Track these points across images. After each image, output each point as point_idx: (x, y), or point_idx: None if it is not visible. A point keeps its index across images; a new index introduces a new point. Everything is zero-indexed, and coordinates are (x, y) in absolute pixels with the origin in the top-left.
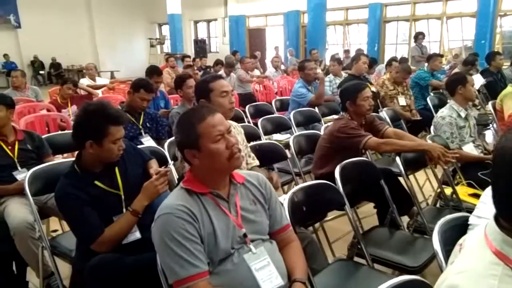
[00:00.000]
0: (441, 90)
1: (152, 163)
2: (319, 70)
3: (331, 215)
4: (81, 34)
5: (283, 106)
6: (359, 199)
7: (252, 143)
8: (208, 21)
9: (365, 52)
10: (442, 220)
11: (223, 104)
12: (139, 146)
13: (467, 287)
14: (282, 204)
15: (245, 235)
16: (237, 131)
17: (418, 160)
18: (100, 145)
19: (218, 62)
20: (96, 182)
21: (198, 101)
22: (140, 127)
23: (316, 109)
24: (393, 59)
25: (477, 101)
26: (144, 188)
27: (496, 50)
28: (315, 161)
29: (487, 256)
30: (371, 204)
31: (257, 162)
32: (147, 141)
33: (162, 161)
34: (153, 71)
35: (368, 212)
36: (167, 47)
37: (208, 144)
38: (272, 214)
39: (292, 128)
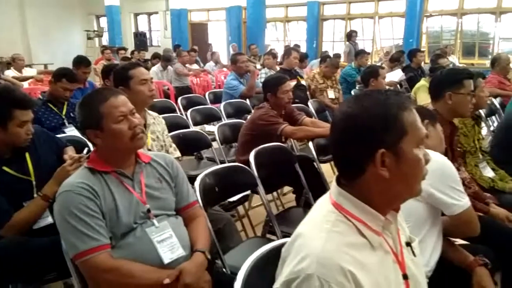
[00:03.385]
0: None
1: (68, 150)
2: (258, 66)
3: (257, 202)
4: (12, 25)
5: (217, 99)
6: (277, 184)
7: (175, 132)
8: (149, 14)
9: (304, 48)
10: None
11: (143, 91)
12: (60, 136)
13: (308, 232)
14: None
15: (148, 211)
16: (158, 121)
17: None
18: (5, 129)
19: (156, 56)
20: (4, 168)
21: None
22: (63, 117)
23: (247, 101)
24: (327, 56)
25: None
26: (56, 173)
27: (417, 48)
28: (238, 148)
29: (327, 207)
30: None
31: (178, 154)
32: (71, 131)
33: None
34: (81, 62)
35: (293, 197)
36: (105, 40)
37: (110, 125)
38: (178, 191)
39: (223, 119)
